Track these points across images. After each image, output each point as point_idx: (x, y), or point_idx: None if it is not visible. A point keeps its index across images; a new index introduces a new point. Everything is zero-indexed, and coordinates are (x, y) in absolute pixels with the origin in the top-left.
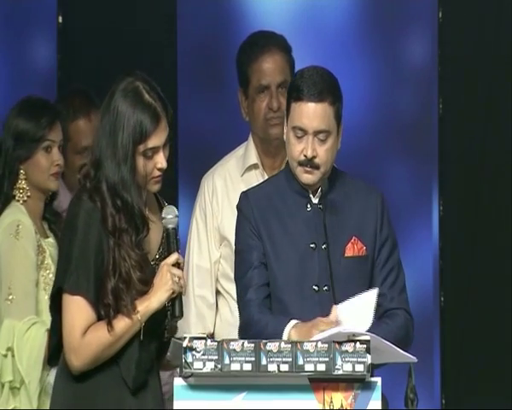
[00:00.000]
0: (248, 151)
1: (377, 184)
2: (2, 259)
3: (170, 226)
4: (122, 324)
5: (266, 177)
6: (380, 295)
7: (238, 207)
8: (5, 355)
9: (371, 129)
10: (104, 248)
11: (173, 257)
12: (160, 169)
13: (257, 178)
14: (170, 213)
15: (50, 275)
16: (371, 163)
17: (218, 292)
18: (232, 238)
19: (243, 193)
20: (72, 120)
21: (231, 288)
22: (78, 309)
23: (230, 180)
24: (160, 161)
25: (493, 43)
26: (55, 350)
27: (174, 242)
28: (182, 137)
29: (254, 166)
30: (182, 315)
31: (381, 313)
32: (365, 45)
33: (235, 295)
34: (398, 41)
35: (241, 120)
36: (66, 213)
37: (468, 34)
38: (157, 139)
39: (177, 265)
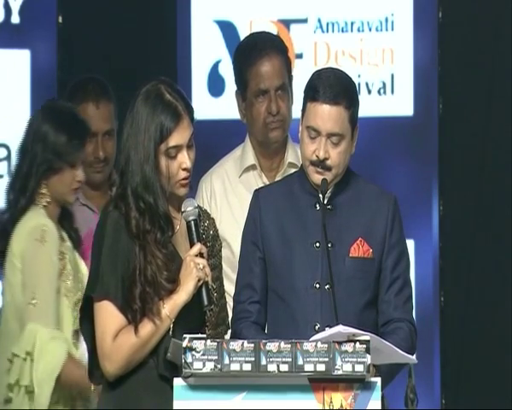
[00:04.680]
0: (246, 152)
1: (377, 183)
2: (26, 263)
3: (190, 218)
4: (148, 327)
5: (264, 178)
6: (384, 302)
7: (249, 205)
8: (24, 359)
9: (371, 128)
10: (131, 255)
11: (196, 248)
12: (184, 169)
13: (255, 179)
14: (189, 206)
15: (68, 282)
16: (371, 163)
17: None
18: (231, 240)
19: (255, 191)
20: (80, 102)
21: (231, 288)
22: (107, 314)
23: (228, 182)
24: (184, 160)
25: (493, 43)
26: (93, 363)
27: (195, 233)
28: None
29: (252, 168)
30: (210, 304)
31: (384, 321)
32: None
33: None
34: (398, 41)
35: (240, 120)
36: (96, 225)
37: (468, 34)
38: (179, 137)
39: (201, 255)
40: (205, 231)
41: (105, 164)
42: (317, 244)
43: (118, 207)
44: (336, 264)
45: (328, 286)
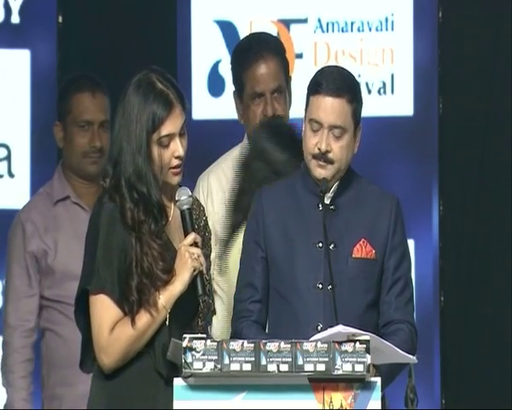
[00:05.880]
0: (243, 153)
1: (377, 183)
2: None
3: (184, 207)
4: (144, 318)
5: None
6: (385, 303)
7: (252, 203)
8: None
9: (371, 128)
10: (127, 247)
11: (190, 237)
12: (177, 157)
13: None
14: (183, 195)
15: None
16: (371, 163)
17: (213, 291)
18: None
19: (257, 190)
20: (75, 93)
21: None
22: (103, 308)
23: (226, 181)
24: (177, 148)
25: (493, 43)
26: (86, 353)
27: (189, 222)
28: None
29: None
30: (204, 294)
31: (384, 322)
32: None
33: (231, 294)
34: (398, 41)
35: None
36: (90, 217)
37: (468, 34)
38: (171, 126)
39: (195, 244)
40: (196, 220)
41: (100, 155)
42: (320, 244)
43: (112, 198)
44: (339, 264)
45: (330, 286)
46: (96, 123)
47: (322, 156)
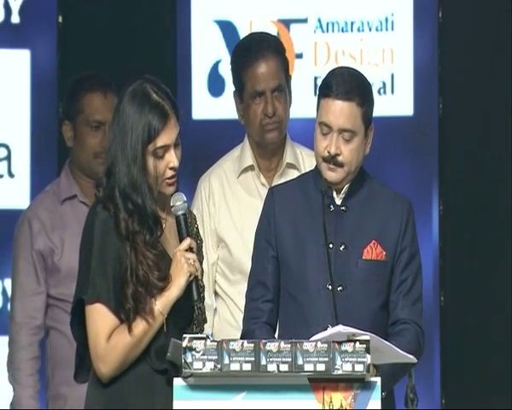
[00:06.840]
0: (244, 153)
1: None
2: None
3: (179, 213)
4: (141, 325)
5: (262, 178)
6: (392, 302)
7: (264, 202)
8: None
9: None
10: (122, 256)
11: (185, 243)
12: (172, 168)
13: (253, 179)
14: (178, 201)
15: None
16: (371, 163)
17: (216, 293)
18: (229, 240)
19: (270, 189)
20: (86, 92)
21: (229, 289)
22: (100, 317)
23: (227, 182)
24: (172, 160)
25: (493, 43)
26: (81, 364)
27: (185, 227)
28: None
29: (250, 168)
30: (200, 299)
31: (391, 322)
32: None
33: (233, 296)
34: (398, 41)
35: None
36: (84, 226)
37: (468, 34)
38: (166, 137)
39: (190, 249)
40: (189, 227)
41: None
42: (331, 245)
43: (106, 208)
44: (349, 266)
45: (340, 288)
46: (107, 124)
47: (332, 159)
